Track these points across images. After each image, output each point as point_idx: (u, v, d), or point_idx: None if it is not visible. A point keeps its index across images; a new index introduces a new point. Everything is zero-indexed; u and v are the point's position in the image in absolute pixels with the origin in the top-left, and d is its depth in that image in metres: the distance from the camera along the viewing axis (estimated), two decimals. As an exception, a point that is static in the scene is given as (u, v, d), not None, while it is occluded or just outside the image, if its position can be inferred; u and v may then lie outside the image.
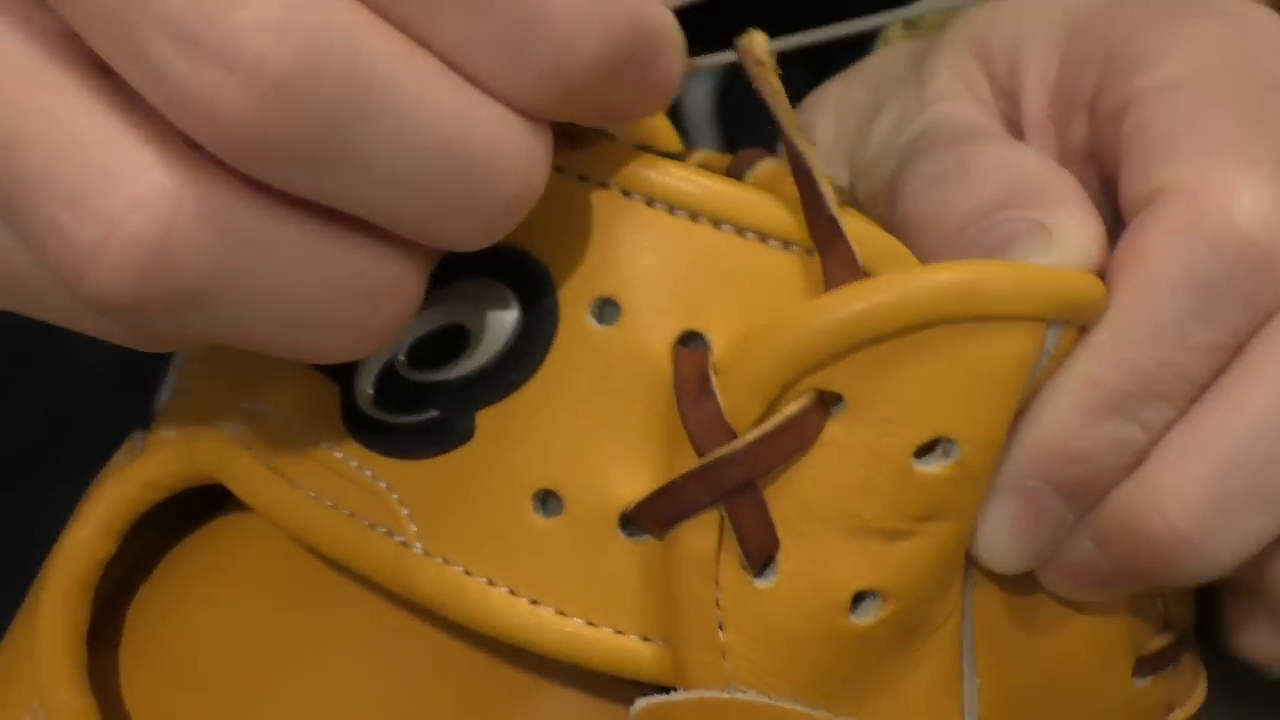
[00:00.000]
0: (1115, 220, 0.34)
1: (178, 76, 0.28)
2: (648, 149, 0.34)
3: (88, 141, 0.28)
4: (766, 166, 0.38)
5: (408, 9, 0.29)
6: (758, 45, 0.32)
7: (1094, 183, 0.36)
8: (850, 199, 0.36)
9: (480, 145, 0.29)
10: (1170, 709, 0.36)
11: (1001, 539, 0.33)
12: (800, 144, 0.32)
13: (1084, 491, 0.33)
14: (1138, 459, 0.32)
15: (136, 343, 0.32)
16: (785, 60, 0.33)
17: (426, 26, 0.29)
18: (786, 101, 0.32)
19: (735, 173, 0.38)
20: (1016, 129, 0.37)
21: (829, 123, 0.39)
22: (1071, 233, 0.32)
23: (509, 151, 0.29)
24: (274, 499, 0.34)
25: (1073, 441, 0.32)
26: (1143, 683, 0.36)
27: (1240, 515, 0.32)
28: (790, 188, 0.37)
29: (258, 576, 0.36)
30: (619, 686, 0.33)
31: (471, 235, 0.30)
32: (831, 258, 0.32)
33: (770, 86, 0.32)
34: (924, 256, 0.33)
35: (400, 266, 0.30)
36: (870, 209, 0.36)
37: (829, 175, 0.34)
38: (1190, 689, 0.37)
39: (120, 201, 0.28)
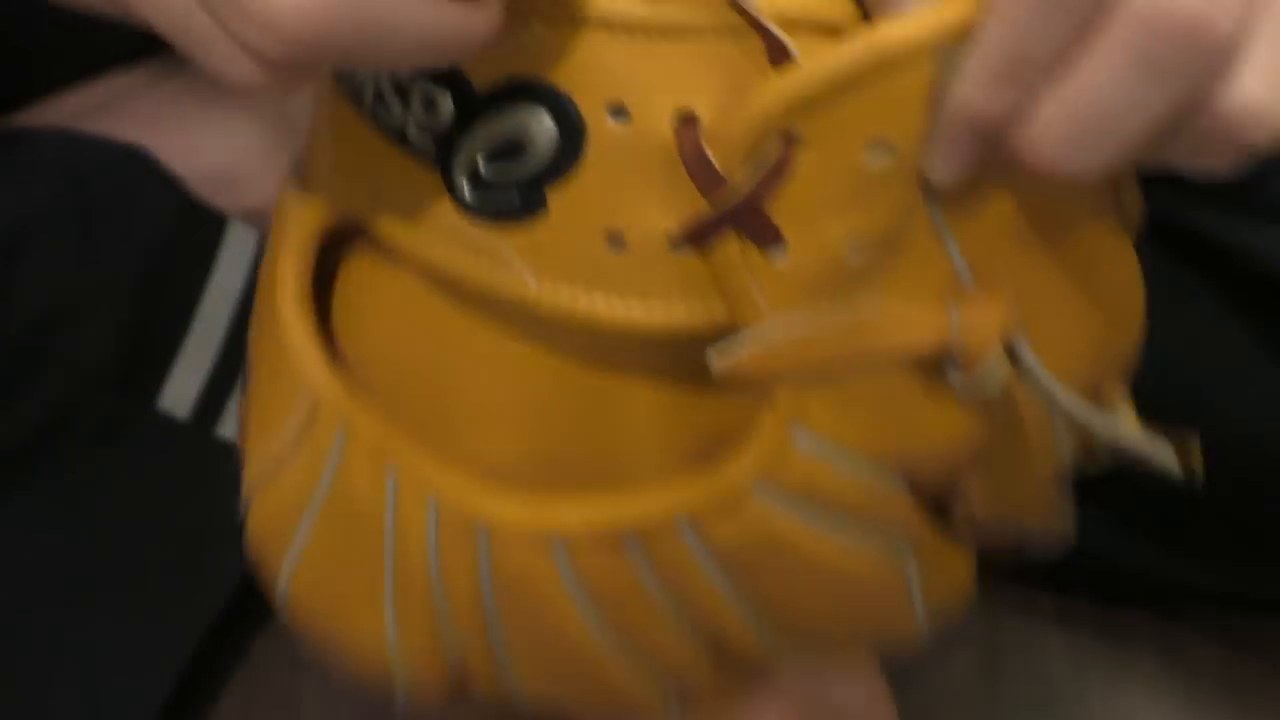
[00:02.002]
0: None
1: None
2: None
3: None
4: None
5: None
6: None
7: None
8: None
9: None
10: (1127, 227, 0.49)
11: (945, 170, 0.45)
12: None
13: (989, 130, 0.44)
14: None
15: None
16: None
17: None
18: None
19: None
20: None
21: None
22: None
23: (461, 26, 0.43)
24: (420, 242, 0.47)
25: (974, 100, 0.43)
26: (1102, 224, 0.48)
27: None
28: None
29: (414, 300, 0.49)
30: (680, 376, 0.47)
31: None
32: (767, 40, 0.44)
33: None
34: None
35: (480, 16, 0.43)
36: None
37: None
38: (1134, 216, 0.49)
39: None
